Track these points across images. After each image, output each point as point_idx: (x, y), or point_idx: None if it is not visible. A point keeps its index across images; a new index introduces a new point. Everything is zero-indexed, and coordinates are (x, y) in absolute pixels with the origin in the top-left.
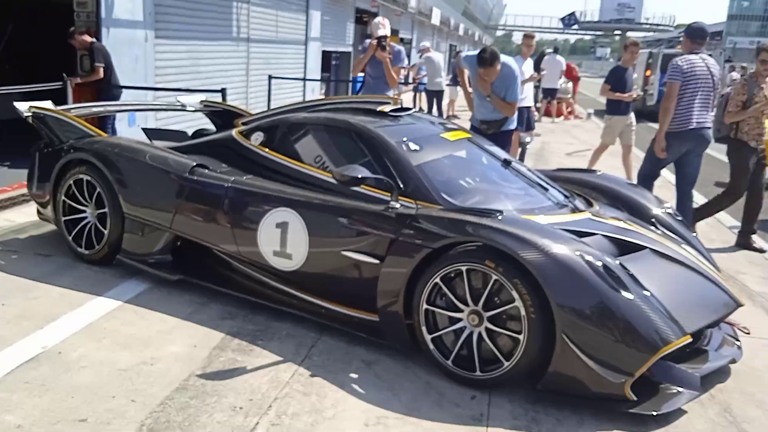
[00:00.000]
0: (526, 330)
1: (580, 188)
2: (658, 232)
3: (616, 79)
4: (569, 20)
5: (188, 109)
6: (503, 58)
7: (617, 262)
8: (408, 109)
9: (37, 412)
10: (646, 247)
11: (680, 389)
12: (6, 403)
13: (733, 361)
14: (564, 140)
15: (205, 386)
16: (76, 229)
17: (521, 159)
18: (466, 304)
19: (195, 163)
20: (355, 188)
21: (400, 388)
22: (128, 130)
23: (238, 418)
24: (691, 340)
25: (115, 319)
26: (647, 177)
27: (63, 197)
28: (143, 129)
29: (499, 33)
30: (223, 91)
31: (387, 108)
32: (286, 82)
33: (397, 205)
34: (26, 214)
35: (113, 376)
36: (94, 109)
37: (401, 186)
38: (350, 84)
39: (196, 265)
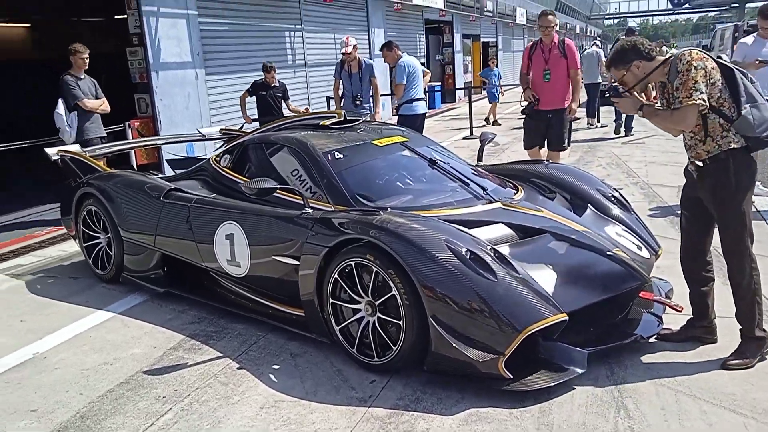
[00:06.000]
0: (404, 316)
1: (529, 179)
2: (575, 218)
3: None
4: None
5: (207, 137)
6: (404, 55)
7: (488, 247)
8: (352, 121)
9: (2, 405)
10: (546, 232)
11: (565, 366)
12: None
13: (642, 338)
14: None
15: (144, 380)
16: (93, 253)
17: (479, 155)
18: (361, 296)
19: (169, 188)
20: (281, 197)
21: (309, 376)
22: None
23: (156, 406)
24: (566, 318)
25: (103, 328)
26: None
27: (81, 226)
28: (167, 160)
29: (608, 22)
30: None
31: (329, 122)
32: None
33: (309, 210)
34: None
35: (76, 374)
36: (116, 148)
37: (324, 191)
38: (426, 94)
39: (181, 278)
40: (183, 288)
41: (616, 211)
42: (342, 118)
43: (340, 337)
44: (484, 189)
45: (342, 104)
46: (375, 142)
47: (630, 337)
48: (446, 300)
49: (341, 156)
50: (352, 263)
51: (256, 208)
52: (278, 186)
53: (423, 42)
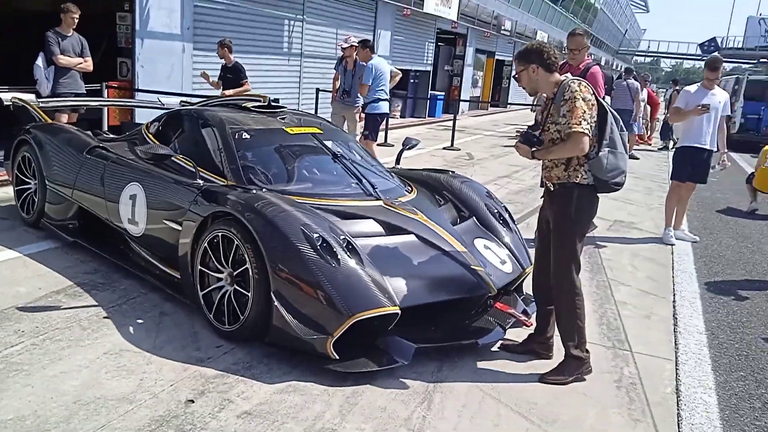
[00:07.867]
0: (252, 289)
1: (432, 186)
2: (448, 226)
3: None
4: (709, 46)
5: (166, 108)
6: (375, 56)
7: (341, 237)
8: (278, 107)
9: None
10: (412, 233)
11: (391, 356)
12: None
13: (478, 344)
14: None
15: (13, 315)
16: (23, 197)
17: (397, 158)
18: (224, 267)
19: (93, 145)
20: (182, 165)
21: (165, 333)
22: None
23: (12, 338)
24: (398, 311)
25: (2, 266)
26: None
27: (15, 171)
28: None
29: (639, 59)
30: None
31: (251, 105)
32: None
33: (200, 182)
34: None
35: None
36: (70, 104)
37: (224, 167)
38: (428, 102)
39: (92, 231)
40: (90, 241)
41: (495, 225)
42: (266, 103)
43: (202, 302)
44: (373, 187)
45: (337, 95)
46: (287, 129)
47: (467, 340)
48: (289, 278)
49: (248, 137)
50: (220, 234)
51: (159, 173)
52: (172, 154)
53: (432, 51)
